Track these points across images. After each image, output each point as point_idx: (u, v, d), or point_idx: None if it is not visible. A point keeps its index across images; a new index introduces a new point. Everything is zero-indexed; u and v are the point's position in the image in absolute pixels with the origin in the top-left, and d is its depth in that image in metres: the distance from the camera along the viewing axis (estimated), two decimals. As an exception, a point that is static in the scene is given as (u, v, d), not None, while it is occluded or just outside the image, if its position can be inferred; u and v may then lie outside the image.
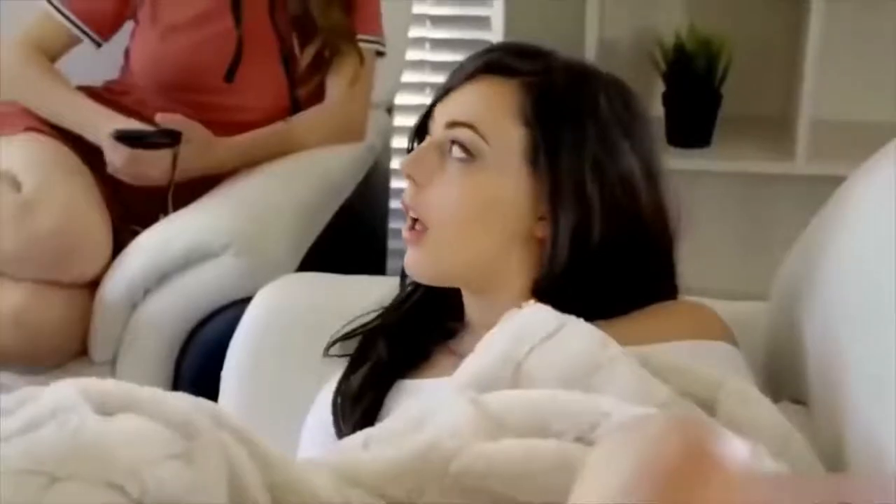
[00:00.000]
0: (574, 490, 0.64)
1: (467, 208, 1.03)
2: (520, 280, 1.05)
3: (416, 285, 1.14)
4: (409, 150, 1.11)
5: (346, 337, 1.17)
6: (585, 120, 1.04)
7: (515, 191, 1.03)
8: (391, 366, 1.08)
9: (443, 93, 1.08)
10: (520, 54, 1.08)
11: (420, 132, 1.11)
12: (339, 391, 1.09)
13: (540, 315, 0.92)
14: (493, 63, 1.06)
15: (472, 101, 1.05)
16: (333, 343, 1.18)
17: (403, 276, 1.15)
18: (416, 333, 1.12)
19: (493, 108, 1.04)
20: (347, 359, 1.14)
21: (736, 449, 0.63)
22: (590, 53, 2.08)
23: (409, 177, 1.05)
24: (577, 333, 0.90)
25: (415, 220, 1.06)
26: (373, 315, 1.17)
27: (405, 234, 1.07)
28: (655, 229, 1.06)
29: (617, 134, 1.04)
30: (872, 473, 0.84)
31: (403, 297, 1.15)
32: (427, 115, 1.10)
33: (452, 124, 1.05)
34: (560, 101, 1.04)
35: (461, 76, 1.07)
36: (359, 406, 1.06)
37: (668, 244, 1.09)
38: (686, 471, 0.60)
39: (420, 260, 1.06)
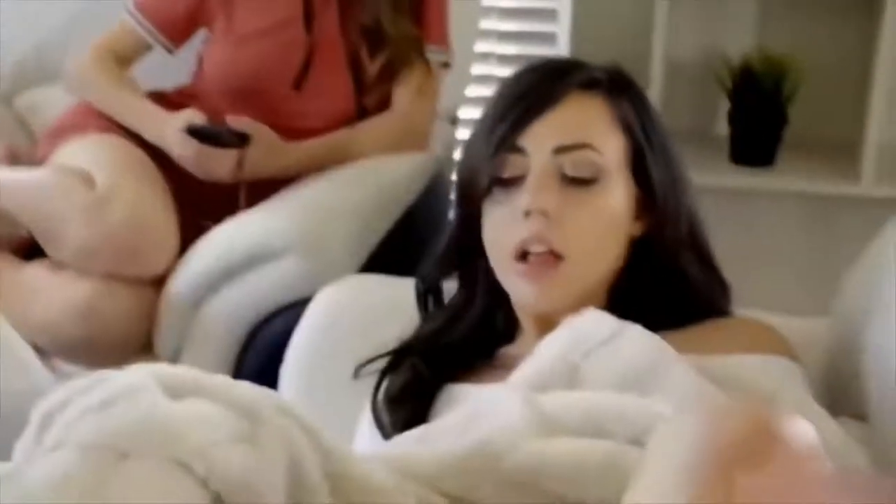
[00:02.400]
0: (638, 468, 0.64)
1: (603, 231, 1.03)
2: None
3: (470, 299, 1.13)
4: (488, 186, 1.03)
5: (385, 355, 1.14)
6: (658, 123, 1.08)
7: (626, 199, 1.05)
8: (436, 371, 1.09)
9: (524, 120, 1.03)
10: (585, 67, 1.08)
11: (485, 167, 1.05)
12: (381, 394, 1.10)
13: (599, 320, 0.93)
14: (581, 82, 1.05)
15: (574, 121, 1.03)
16: (370, 361, 1.15)
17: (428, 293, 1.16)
18: (466, 342, 1.12)
19: (597, 124, 1.04)
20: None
21: (802, 429, 0.62)
22: (656, 70, 2.08)
23: (541, 212, 1.00)
24: (636, 338, 0.91)
25: (543, 254, 1.00)
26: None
27: (526, 269, 1.01)
28: (705, 236, 1.08)
29: (668, 135, 1.08)
30: None
31: (455, 311, 1.14)
32: (500, 147, 1.03)
33: (564, 149, 1.02)
34: (640, 106, 1.07)
35: (547, 101, 1.03)
36: (402, 409, 1.06)
37: (712, 256, 1.10)
38: (751, 446, 0.59)
39: (555, 290, 1.02)
